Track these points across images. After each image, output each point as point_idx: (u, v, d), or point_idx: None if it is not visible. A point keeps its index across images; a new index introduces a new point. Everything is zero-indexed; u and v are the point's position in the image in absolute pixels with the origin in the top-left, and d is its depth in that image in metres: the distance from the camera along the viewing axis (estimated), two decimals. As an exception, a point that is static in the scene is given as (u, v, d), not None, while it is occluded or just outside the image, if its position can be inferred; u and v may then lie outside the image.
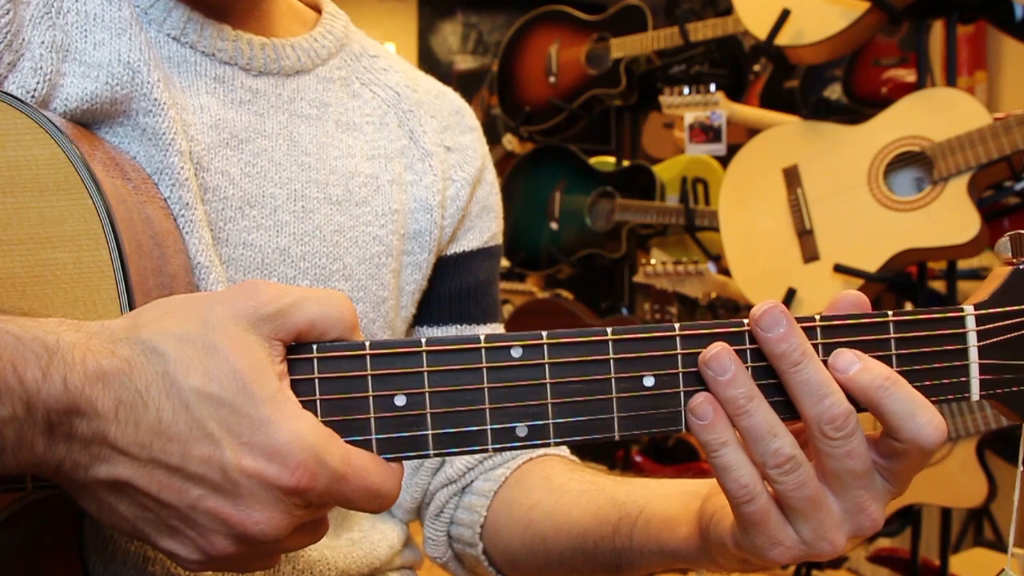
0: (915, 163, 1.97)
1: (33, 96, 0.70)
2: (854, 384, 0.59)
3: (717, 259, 2.79)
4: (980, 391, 0.62)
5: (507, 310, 3.36)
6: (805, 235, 2.08)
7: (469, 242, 0.95)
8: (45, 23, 0.72)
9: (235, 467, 0.52)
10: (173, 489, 0.53)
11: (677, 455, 3.13)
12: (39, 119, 0.62)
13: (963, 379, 0.62)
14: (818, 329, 0.60)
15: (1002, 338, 0.62)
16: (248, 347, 0.54)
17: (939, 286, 2.37)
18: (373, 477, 0.56)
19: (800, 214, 2.09)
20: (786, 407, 0.60)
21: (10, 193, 0.62)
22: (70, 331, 0.54)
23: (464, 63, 6.66)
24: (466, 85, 4.42)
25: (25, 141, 0.62)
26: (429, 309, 0.93)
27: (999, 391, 0.62)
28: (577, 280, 3.52)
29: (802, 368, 0.58)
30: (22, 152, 0.62)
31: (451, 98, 0.99)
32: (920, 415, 0.58)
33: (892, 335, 0.61)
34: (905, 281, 2.10)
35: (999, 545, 2.67)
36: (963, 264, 2.15)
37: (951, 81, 2.07)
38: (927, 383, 0.61)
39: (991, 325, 0.62)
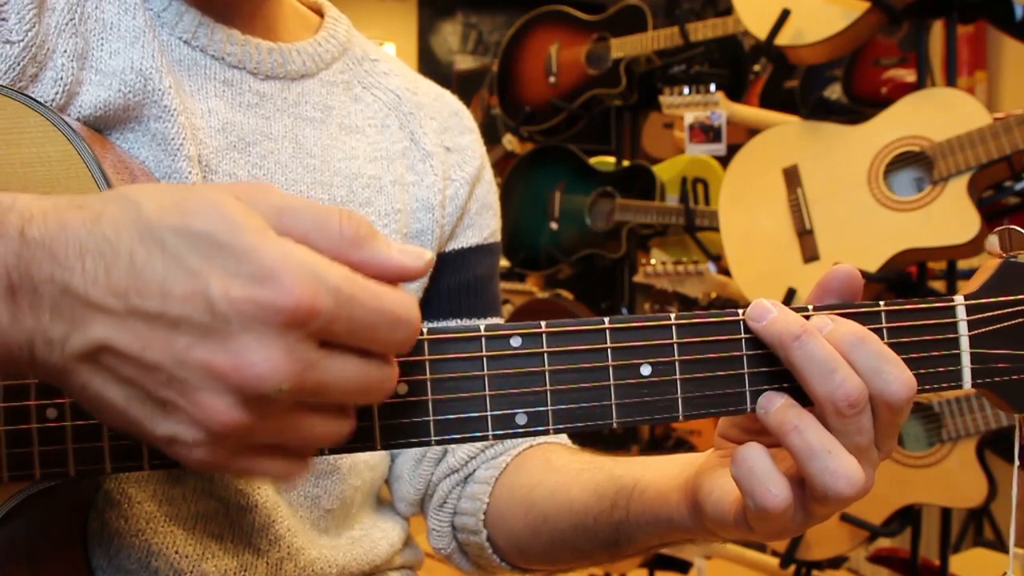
0: (915, 163, 1.98)
1: (50, 104, 0.71)
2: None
3: (717, 259, 2.79)
4: (972, 380, 0.63)
5: (507, 310, 3.36)
6: (805, 235, 2.08)
7: (468, 239, 0.97)
8: (69, 31, 0.74)
9: (222, 298, 0.45)
10: (157, 342, 0.46)
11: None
12: (52, 118, 0.64)
13: (955, 368, 0.63)
14: (811, 319, 0.61)
15: (992, 328, 0.63)
16: (234, 201, 0.48)
17: (939, 286, 2.37)
18: (387, 297, 0.49)
19: (800, 214, 2.09)
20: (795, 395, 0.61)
21: (23, 189, 0.63)
22: (28, 195, 0.50)
23: (464, 63, 6.66)
24: (466, 85, 4.42)
25: (39, 139, 0.64)
26: (429, 304, 0.94)
27: (990, 380, 0.63)
28: (577, 280, 3.52)
29: (804, 341, 0.58)
30: (36, 150, 0.63)
31: (449, 100, 1.01)
32: (886, 372, 0.59)
33: (884, 324, 0.62)
34: (905, 281, 2.10)
35: (999, 545, 2.67)
36: (963, 264, 2.15)
37: (951, 81, 2.07)
38: (919, 372, 0.62)
39: (981, 315, 0.63)
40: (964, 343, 0.63)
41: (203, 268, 0.45)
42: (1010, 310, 0.63)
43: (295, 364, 0.46)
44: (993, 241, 0.65)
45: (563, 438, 0.97)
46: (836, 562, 2.41)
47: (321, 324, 0.46)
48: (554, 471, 0.88)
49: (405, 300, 0.50)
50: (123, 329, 0.46)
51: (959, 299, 0.64)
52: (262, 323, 0.45)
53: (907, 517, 2.13)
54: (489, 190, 1.00)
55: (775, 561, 2.36)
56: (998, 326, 0.63)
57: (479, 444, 0.93)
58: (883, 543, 2.57)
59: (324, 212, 0.49)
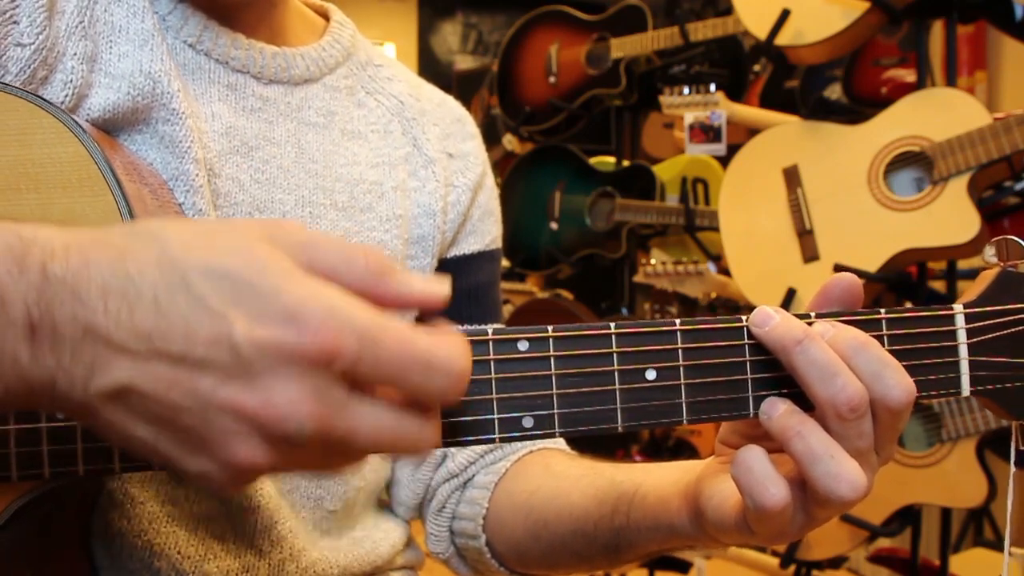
0: (915, 163, 1.98)
1: (60, 107, 0.71)
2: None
3: (717, 259, 2.79)
4: (970, 387, 0.64)
5: (507, 310, 3.36)
6: (805, 235, 2.08)
7: (470, 245, 0.97)
8: (79, 33, 0.74)
9: (246, 340, 0.45)
10: (181, 385, 0.46)
11: (677, 455, 3.13)
12: (64, 119, 0.65)
13: (953, 375, 0.64)
14: (813, 325, 0.62)
15: (990, 336, 0.64)
16: (260, 240, 0.48)
17: (939, 286, 2.37)
18: (421, 342, 0.47)
19: (800, 214, 2.09)
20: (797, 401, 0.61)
21: (35, 190, 0.64)
22: (51, 228, 0.48)
23: (464, 63, 6.66)
24: (466, 85, 4.43)
25: (50, 140, 0.64)
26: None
27: (988, 387, 0.65)
28: (577, 280, 3.52)
29: (806, 346, 0.59)
30: (47, 150, 0.64)
31: (452, 106, 1.01)
32: (887, 376, 0.59)
33: (884, 332, 0.63)
34: (905, 281, 2.10)
35: (999, 545, 2.67)
36: (963, 264, 2.15)
37: (951, 81, 2.07)
38: (918, 379, 0.62)
39: (980, 324, 0.64)
40: (963, 351, 0.64)
41: (227, 310, 0.45)
42: (1008, 319, 0.65)
43: (320, 405, 0.45)
44: (990, 252, 0.66)
45: (562, 444, 0.97)
46: (836, 562, 2.41)
47: (346, 365, 0.46)
48: (554, 476, 0.88)
49: (446, 346, 0.48)
50: (146, 371, 0.46)
51: (958, 308, 0.65)
52: (285, 364, 0.45)
53: (907, 517, 2.13)
54: (491, 196, 1.01)
55: (775, 561, 2.36)
56: (996, 335, 0.64)
57: (478, 449, 0.94)
58: (883, 543, 2.57)
59: (349, 247, 0.49)
